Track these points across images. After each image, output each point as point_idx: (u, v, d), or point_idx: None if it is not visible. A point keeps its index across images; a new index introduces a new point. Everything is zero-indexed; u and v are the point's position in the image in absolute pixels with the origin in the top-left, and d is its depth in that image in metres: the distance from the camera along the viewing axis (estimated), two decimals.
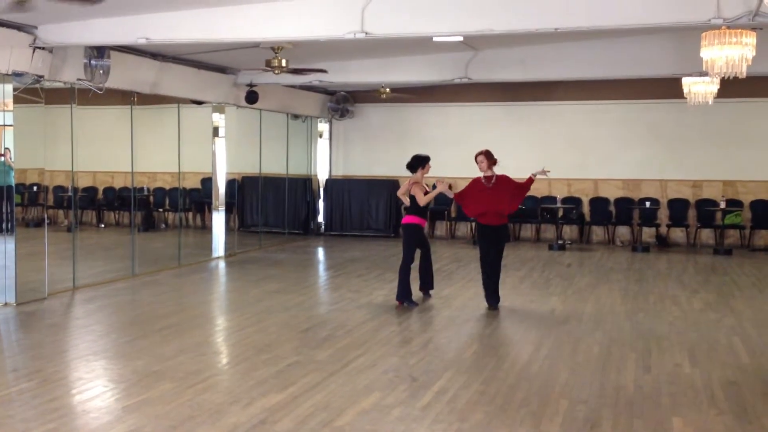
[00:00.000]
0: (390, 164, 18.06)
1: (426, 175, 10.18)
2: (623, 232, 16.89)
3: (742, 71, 8.39)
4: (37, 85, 9.93)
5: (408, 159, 10.24)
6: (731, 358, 7.46)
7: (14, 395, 6.09)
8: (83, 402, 5.99)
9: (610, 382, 6.60)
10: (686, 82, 12.40)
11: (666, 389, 6.40)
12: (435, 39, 10.84)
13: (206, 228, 17.02)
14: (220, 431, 5.30)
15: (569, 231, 17.08)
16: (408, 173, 10.20)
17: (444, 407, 5.86)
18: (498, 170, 9.75)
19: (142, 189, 18.04)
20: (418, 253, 10.07)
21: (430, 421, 5.55)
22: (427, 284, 10.34)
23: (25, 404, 5.87)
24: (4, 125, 9.72)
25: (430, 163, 10.11)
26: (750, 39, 8.22)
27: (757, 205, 16.06)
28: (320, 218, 18.71)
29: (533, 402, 6.03)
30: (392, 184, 17.76)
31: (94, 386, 6.38)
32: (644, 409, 5.90)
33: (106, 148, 17.00)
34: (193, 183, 18.24)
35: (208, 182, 16.22)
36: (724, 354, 7.59)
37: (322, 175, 19.01)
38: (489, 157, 9.61)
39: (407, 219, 10.03)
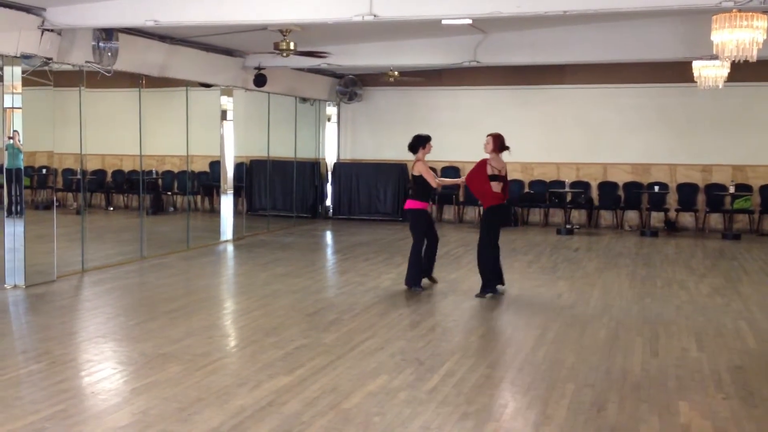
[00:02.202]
0: (398, 148, 17.85)
1: (428, 156, 9.99)
2: (632, 216, 16.85)
3: (753, 55, 8.35)
4: (46, 68, 9.94)
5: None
6: (738, 342, 7.45)
7: (23, 377, 6.14)
8: (92, 384, 6.03)
9: (617, 366, 6.61)
10: (696, 65, 12.33)
11: (672, 373, 6.40)
12: (444, 22, 10.79)
13: (214, 211, 17.07)
14: (227, 413, 5.33)
15: (578, 215, 17.05)
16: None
17: (450, 390, 5.87)
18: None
19: (150, 172, 18.08)
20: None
21: (437, 404, 5.57)
22: (430, 270, 10.12)
23: (34, 386, 5.91)
24: (13, 108, 9.73)
25: (431, 143, 9.90)
26: (761, 22, 8.18)
27: (767, 190, 15.98)
28: (328, 202, 18.71)
29: (540, 385, 6.05)
30: (400, 168, 17.75)
31: (102, 368, 6.42)
32: (651, 392, 5.90)
33: (115, 131, 17.03)
34: (201, 166, 18.27)
35: (216, 165, 16.25)
36: (731, 338, 7.59)
37: (330, 158, 18.99)
38: (495, 141, 9.44)
39: (410, 204, 9.90)
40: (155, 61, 12.12)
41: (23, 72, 9.65)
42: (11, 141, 9.83)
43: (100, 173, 19.36)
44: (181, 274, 11.07)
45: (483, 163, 9.46)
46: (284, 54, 11.46)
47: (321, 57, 12.58)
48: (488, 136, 9.52)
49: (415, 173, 9.77)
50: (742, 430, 5.17)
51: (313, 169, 18.28)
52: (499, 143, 9.44)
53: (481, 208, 9.93)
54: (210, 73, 13.75)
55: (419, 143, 9.88)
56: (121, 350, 7.03)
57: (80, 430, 5.00)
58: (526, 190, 17.42)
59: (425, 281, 10.01)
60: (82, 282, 10.26)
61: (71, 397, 5.64)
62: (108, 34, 10.68)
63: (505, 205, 9.85)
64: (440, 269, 11.16)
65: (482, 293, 9.36)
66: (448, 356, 6.82)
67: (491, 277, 9.46)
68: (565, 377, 6.26)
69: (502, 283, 9.69)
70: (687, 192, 16.49)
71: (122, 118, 15.14)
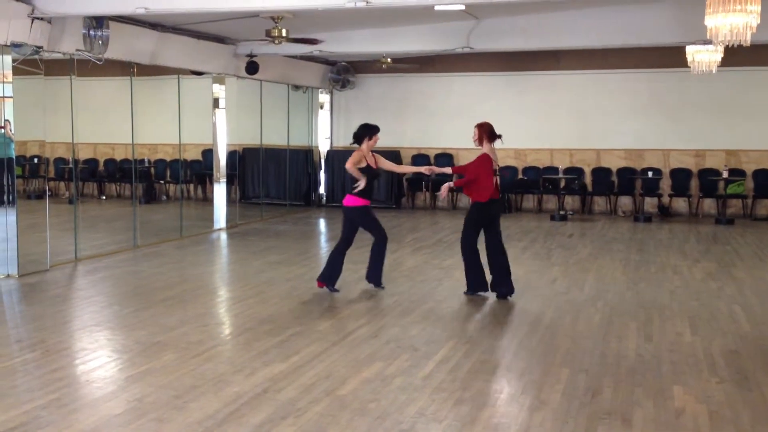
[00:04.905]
0: (391, 135, 17.92)
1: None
2: (625, 202, 16.87)
3: (747, 39, 8.32)
4: (36, 56, 9.87)
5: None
6: (732, 326, 7.47)
7: (18, 366, 6.12)
8: (87, 372, 6.02)
9: (611, 350, 6.62)
10: (690, 50, 12.32)
11: (667, 358, 6.42)
12: (436, 8, 10.75)
13: (207, 200, 17.02)
14: (223, 400, 5.32)
15: (571, 201, 17.07)
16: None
17: (446, 377, 5.88)
18: (498, 143, 8.72)
19: (143, 161, 18.02)
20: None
21: (432, 390, 5.58)
22: (376, 275, 9.05)
23: (29, 375, 5.90)
24: (4, 97, 9.69)
25: (379, 135, 8.92)
26: (755, 6, 8.14)
27: (760, 175, 16.03)
28: (321, 190, 18.68)
29: (535, 371, 6.06)
30: (394, 155, 17.71)
31: (97, 356, 6.41)
32: (645, 377, 5.92)
33: (107, 120, 16.96)
34: (194, 155, 18.21)
35: (209, 154, 16.18)
36: (725, 323, 7.61)
37: (323, 146, 18.96)
38: (482, 131, 8.55)
39: (349, 200, 8.90)
40: (146, 49, 12.05)
41: (13, 61, 9.58)
42: (2, 130, 9.78)
43: (92, 162, 19.29)
44: (175, 262, 11.05)
45: (488, 159, 8.48)
46: (276, 41, 11.40)
47: (314, 44, 12.51)
48: (475, 127, 8.60)
49: (382, 165, 9.04)
50: (737, 414, 5.18)
51: (306, 156, 18.23)
52: (488, 133, 8.54)
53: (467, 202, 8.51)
54: (201, 60, 13.69)
55: (366, 133, 8.84)
56: (116, 338, 7.02)
57: (75, 419, 4.98)
58: (520, 176, 17.42)
59: (371, 287, 9.08)
60: (75, 271, 10.23)
61: (66, 386, 5.63)
62: (98, 22, 10.60)
63: (499, 199, 8.90)
64: (434, 256, 11.18)
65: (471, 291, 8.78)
66: (442, 343, 6.82)
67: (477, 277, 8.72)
68: (560, 362, 6.28)
69: (487, 289, 8.73)
70: (680, 177, 16.52)
71: (114, 107, 15.07)
